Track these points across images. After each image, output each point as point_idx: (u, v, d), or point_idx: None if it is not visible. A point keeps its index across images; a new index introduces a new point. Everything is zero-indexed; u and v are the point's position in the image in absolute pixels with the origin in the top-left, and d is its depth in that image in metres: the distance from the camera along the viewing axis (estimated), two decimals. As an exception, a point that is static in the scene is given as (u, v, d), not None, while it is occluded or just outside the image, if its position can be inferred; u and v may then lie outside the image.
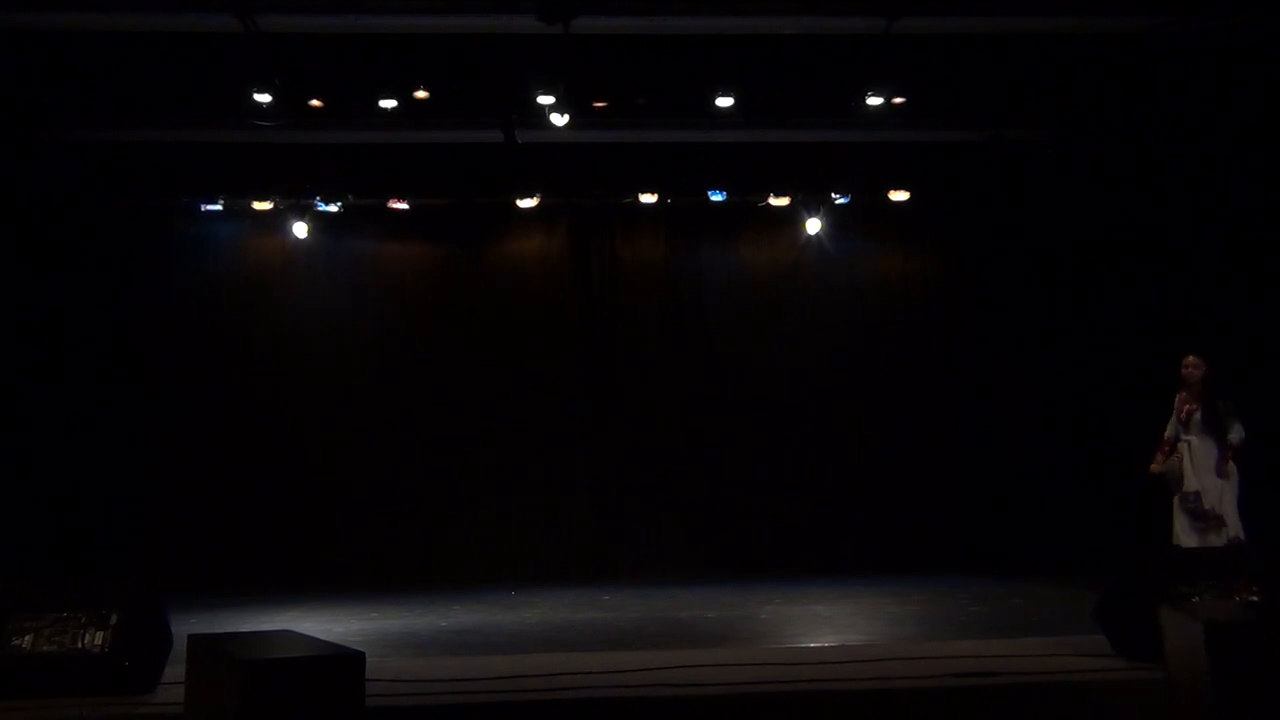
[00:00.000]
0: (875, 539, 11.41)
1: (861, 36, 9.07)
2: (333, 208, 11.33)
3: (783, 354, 11.74)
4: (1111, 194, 10.97)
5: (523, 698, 5.57)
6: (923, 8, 8.63)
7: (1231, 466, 8.05)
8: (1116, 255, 11.06)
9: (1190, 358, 8.27)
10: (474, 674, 6.00)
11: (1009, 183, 11.56)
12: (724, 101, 9.70)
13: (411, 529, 11.27)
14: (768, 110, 10.19)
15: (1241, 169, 9.74)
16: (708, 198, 11.52)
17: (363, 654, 4.65)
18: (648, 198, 11.45)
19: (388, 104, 9.64)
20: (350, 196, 11.35)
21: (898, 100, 9.87)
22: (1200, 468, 8.05)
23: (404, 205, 11.44)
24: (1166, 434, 8.35)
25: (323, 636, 5.65)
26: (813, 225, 11.67)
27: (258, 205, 11.24)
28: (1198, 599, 6.05)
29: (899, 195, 11.45)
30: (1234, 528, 7.98)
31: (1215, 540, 7.93)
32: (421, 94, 9.60)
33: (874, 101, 9.76)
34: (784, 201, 11.56)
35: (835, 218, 11.71)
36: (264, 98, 9.42)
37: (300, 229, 11.39)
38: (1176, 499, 8.19)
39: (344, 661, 4.60)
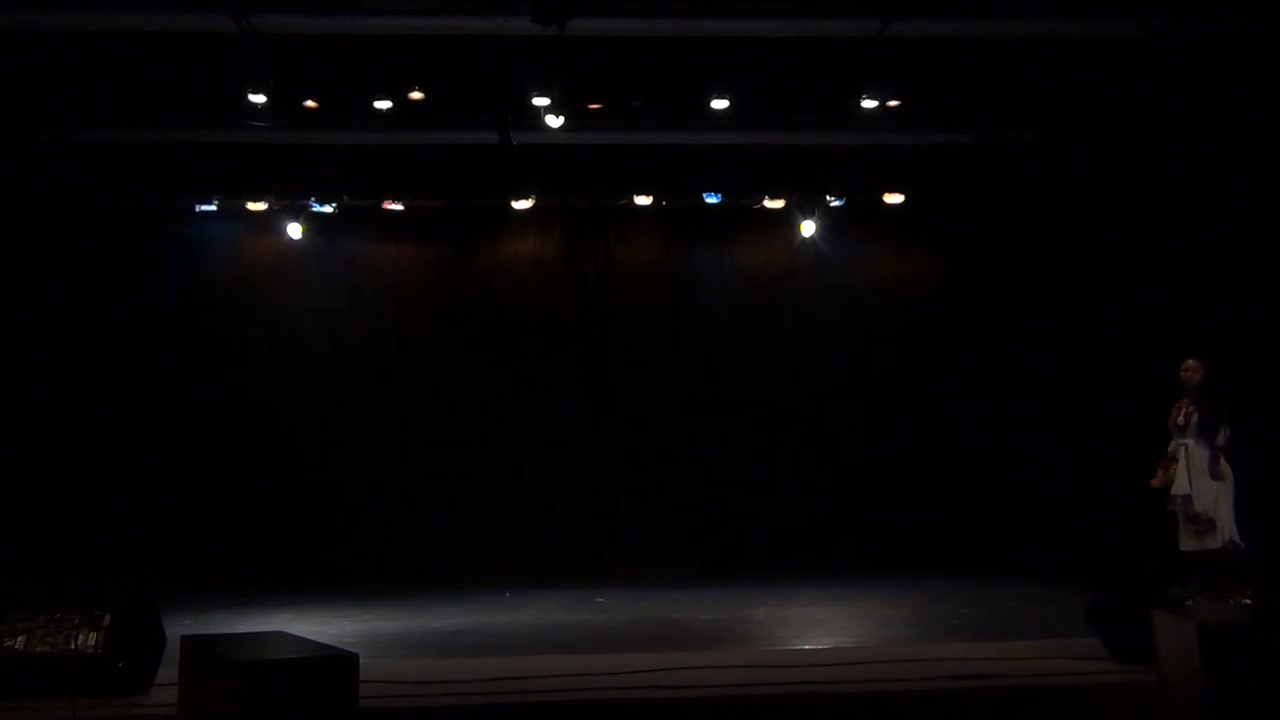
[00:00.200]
0: (870, 540, 11.40)
1: (856, 39, 9.07)
2: (328, 208, 11.32)
3: (778, 356, 11.74)
4: (1108, 195, 10.98)
5: (516, 699, 5.58)
6: (917, 11, 8.64)
7: (1227, 469, 8.05)
8: (1112, 256, 11.07)
9: (1189, 361, 8.29)
10: (467, 675, 6.00)
11: (1004, 185, 11.57)
12: (719, 104, 9.71)
13: (407, 530, 11.26)
14: (763, 112, 10.19)
15: (1238, 170, 9.77)
16: (703, 200, 11.52)
17: (356, 655, 4.64)
18: (643, 199, 11.45)
19: (383, 105, 9.63)
20: (345, 197, 11.34)
21: (892, 103, 9.87)
22: (1197, 471, 8.07)
23: (399, 206, 11.43)
24: (1170, 449, 8.36)
25: (317, 638, 5.64)
26: (808, 228, 11.67)
27: (252, 206, 11.22)
28: (1190, 602, 6.07)
29: (894, 198, 11.45)
30: (1229, 531, 8.00)
31: (1211, 543, 7.95)
32: (416, 95, 9.58)
33: (868, 104, 9.77)
34: (779, 204, 11.57)
35: (830, 220, 11.71)
36: (259, 98, 9.41)
37: (295, 230, 11.38)
38: (1169, 503, 8.22)
39: (337, 663, 4.59)
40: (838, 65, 9.50)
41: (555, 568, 11.14)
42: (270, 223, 11.48)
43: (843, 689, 5.63)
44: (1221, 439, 8.04)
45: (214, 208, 11.31)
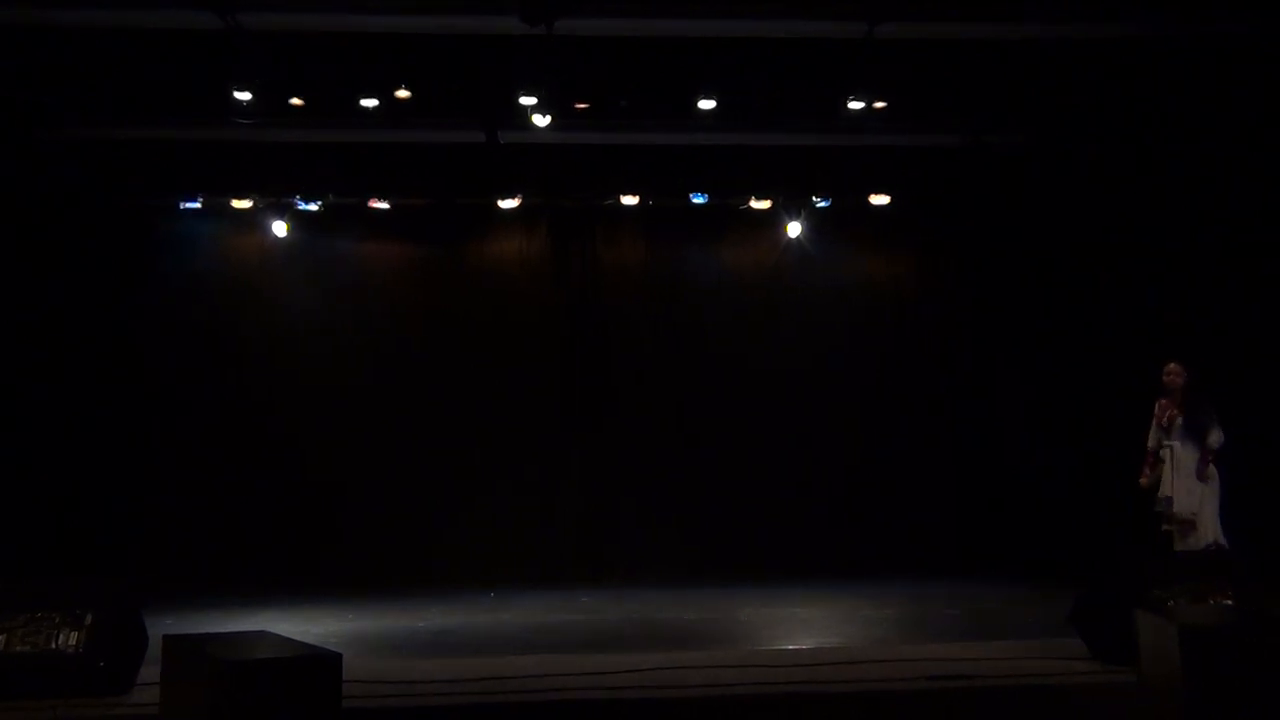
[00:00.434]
0: (868, 540, 11.37)
1: (843, 41, 9.09)
2: (313, 207, 11.29)
3: (766, 356, 11.73)
4: (1104, 195, 11.02)
5: (501, 699, 5.58)
6: (904, 13, 8.66)
7: (1213, 470, 8.13)
8: (1110, 256, 11.11)
9: (1172, 365, 8.36)
10: (453, 675, 6.00)
11: (1000, 185, 11.56)
12: (706, 104, 9.71)
13: (403, 530, 11.19)
14: (750, 113, 10.20)
15: (1234, 171, 9.84)
16: (689, 200, 11.53)
17: (339, 655, 4.63)
18: (629, 199, 11.44)
19: (369, 103, 9.61)
20: (331, 196, 11.30)
21: (879, 104, 9.89)
22: (1182, 473, 8.13)
23: (385, 205, 11.40)
24: (1150, 445, 8.42)
25: (308, 637, 5.63)
26: (794, 228, 11.68)
27: (237, 204, 11.18)
28: (1172, 603, 6.10)
29: (880, 199, 11.47)
30: (1213, 532, 8.05)
31: (1193, 544, 8.01)
32: (403, 94, 9.56)
33: (855, 105, 9.79)
34: (765, 205, 11.57)
35: (822, 220, 11.72)
36: (244, 96, 9.38)
37: (280, 228, 11.34)
38: (1158, 505, 8.28)
39: (321, 662, 4.58)
40: (824, 67, 9.52)
41: (543, 568, 11.10)
42: (256, 221, 11.43)
43: (827, 689, 5.64)
44: (1214, 440, 8.10)
45: (198, 205, 11.25)
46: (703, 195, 11.51)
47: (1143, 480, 8.41)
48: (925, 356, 11.94)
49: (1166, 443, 8.25)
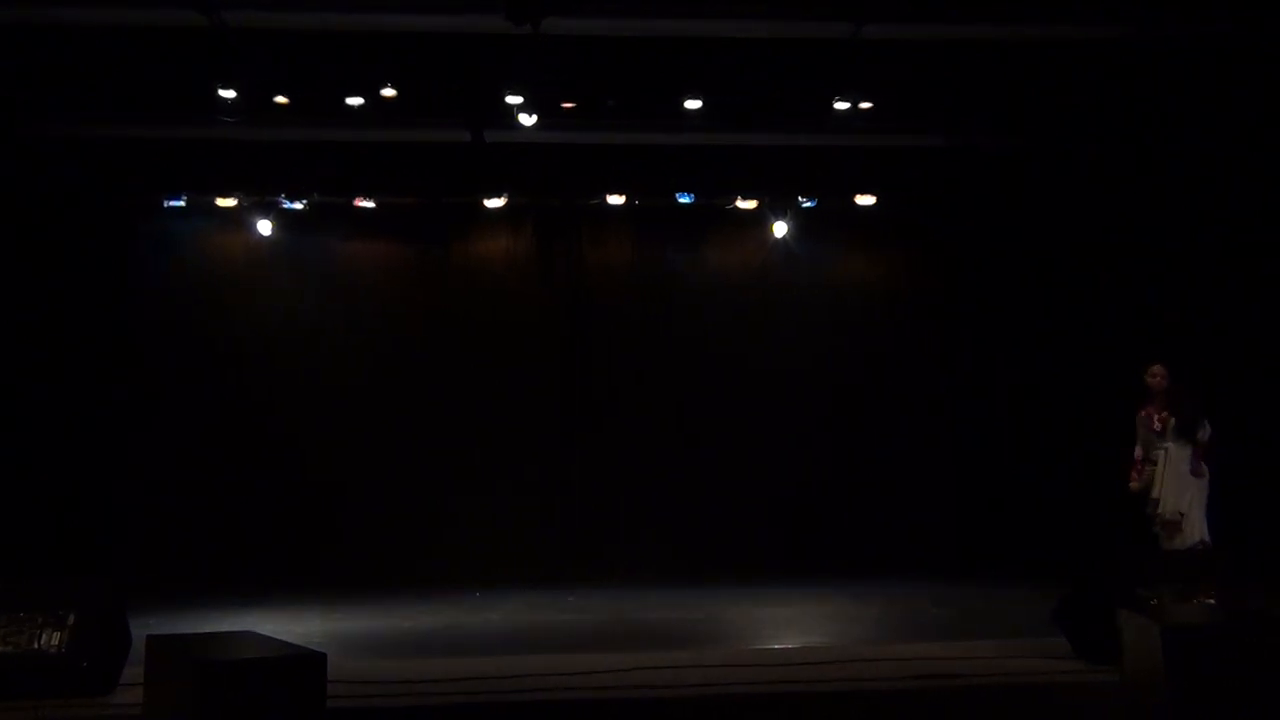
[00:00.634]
0: (855, 541, 11.35)
1: (830, 41, 9.11)
2: (298, 205, 11.25)
3: (753, 355, 11.72)
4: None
5: (487, 699, 5.57)
6: (889, 14, 8.68)
7: (1203, 468, 8.17)
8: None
9: (1155, 366, 8.41)
10: (437, 675, 5.99)
11: (989, 186, 11.58)
12: (692, 104, 9.72)
13: (385, 529, 11.12)
14: (736, 113, 10.21)
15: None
16: (675, 200, 11.53)
17: (324, 655, 4.62)
18: (615, 199, 11.44)
19: (354, 102, 9.58)
20: (316, 194, 11.27)
21: (865, 105, 9.91)
22: (1173, 473, 8.17)
23: (370, 204, 11.36)
24: (1137, 454, 8.45)
25: (293, 637, 5.61)
26: (780, 228, 11.70)
27: (222, 202, 11.13)
28: (1155, 602, 6.14)
29: (865, 199, 11.49)
30: (1199, 531, 8.10)
31: (1179, 544, 8.06)
32: (389, 92, 9.54)
33: (841, 106, 9.81)
34: (751, 205, 11.59)
35: (803, 220, 11.74)
36: (229, 94, 9.34)
37: (265, 226, 11.30)
38: (1149, 506, 8.33)
39: (305, 662, 4.57)
40: (812, 67, 9.54)
41: (534, 569, 11.07)
42: (241, 219, 11.38)
43: (813, 688, 5.66)
44: (1203, 435, 8.15)
45: (182, 203, 11.20)
46: (689, 195, 11.51)
47: (1133, 484, 8.44)
48: (918, 356, 11.92)
49: (1161, 445, 8.28)
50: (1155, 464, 8.29)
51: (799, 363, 11.75)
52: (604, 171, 11.39)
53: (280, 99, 9.63)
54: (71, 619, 5.87)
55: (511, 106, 9.55)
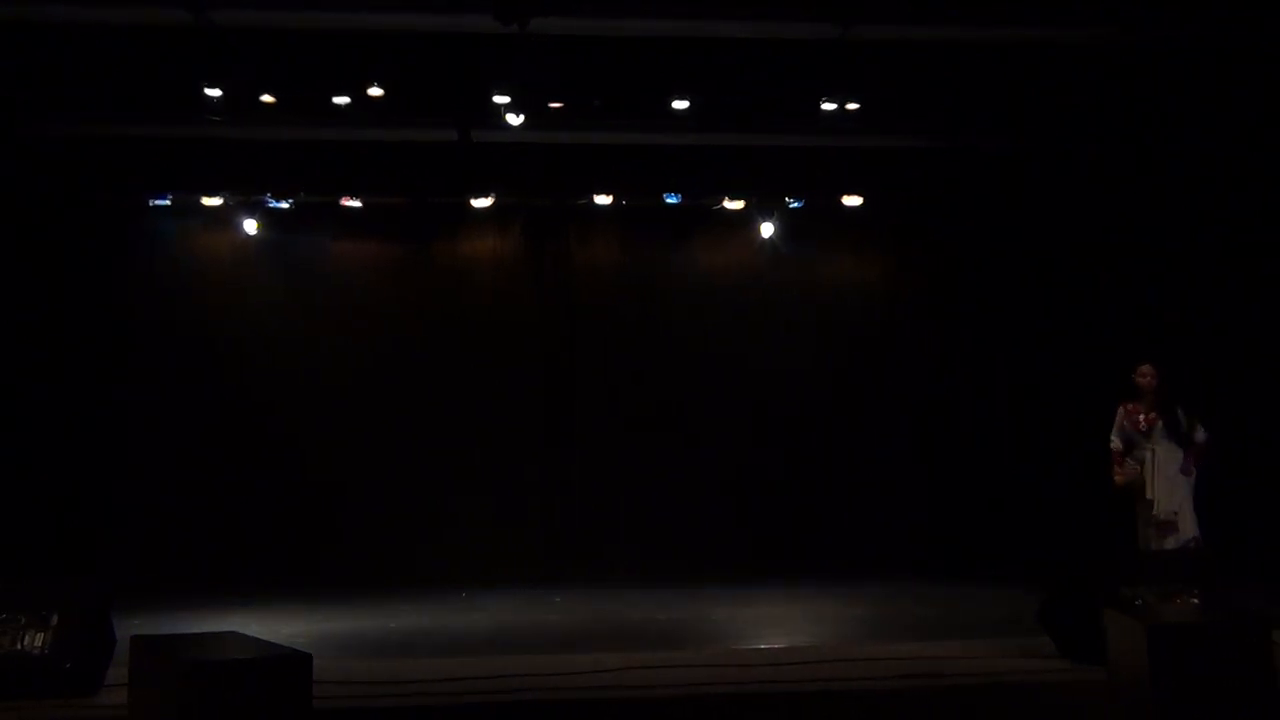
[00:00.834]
0: (846, 541, 11.38)
1: (818, 42, 9.12)
2: (284, 204, 11.22)
3: (740, 355, 11.72)
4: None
5: (472, 699, 5.56)
6: (876, 15, 8.70)
7: (1192, 468, 8.21)
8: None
9: (1144, 366, 8.43)
10: (424, 675, 5.98)
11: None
12: (680, 104, 9.72)
13: (367, 530, 11.14)
14: (723, 114, 10.22)
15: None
16: (663, 200, 11.53)
17: (309, 655, 4.60)
18: (603, 199, 11.44)
19: (341, 101, 9.56)
20: (302, 193, 11.24)
21: (852, 105, 9.93)
22: (1163, 474, 8.21)
23: (357, 203, 11.34)
24: (1113, 446, 8.47)
25: (279, 638, 5.59)
26: (767, 228, 11.71)
27: (207, 201, 11.09)
28: (1140, 601, 6.16)
29: (852, 200, 11.50)
30: (1192, 529, 8.14)
31: (1170, 543, 8.10)
32: (376, 91, 9.53)
33: (829, 106, 9.83)
34: (739, 205, 11.60)
35: (791, 220, 11.75)
36: (215, 92, 9.31)
37: (251, 225, 11.27)
38: (1139, 506, 8.36)
39: (290, 663, 4.55)
40: (800, 67, 9.55)
41: (513, 569, 11.02)
42: (227, 218, 11.35)
43: (799, 688, 5.66)
44: (1201, 436, 8.19)
45: (168, 202, 11.16)
46: (676, 195, 11.52)
47: (1118, 478, 8.45)
48: (912, 356, 11.93)
49: (1147, 445, 8.31)
50: (1140, 463, 8.32)
51: (793, 362, 11.75)
52: (592, 171, 11.39)
53: (267, 98, 9.60)
54: (55, 619, 5.84)
55: (499, 106, 9.54)
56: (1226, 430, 8.38)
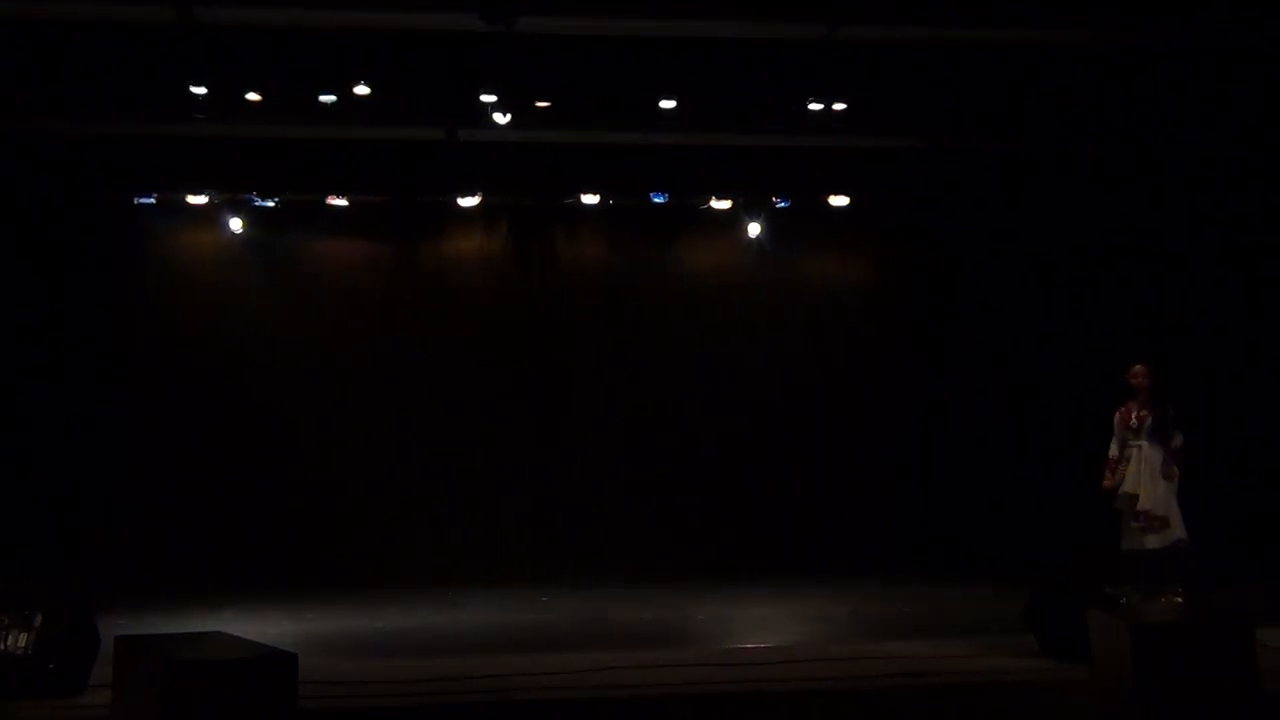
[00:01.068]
0: (832, 542, 11.39)
1: (804, 42, 9.13)
2: (269, 203, 11.18)
3: (726, 355, 11.72)
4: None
5: (457, 700, 5.56)
6: (864, 16, 8.72)
7: (1174, 471, 8.26)
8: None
9: (1138, 366, 8.50)
10: (410, 676, 5.97)
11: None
12: (667, 104, 9.73)
13: (361, 530, 11.10)
14: (710, 113, 10.22)
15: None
16: (650, 199, 11.53)
17: (295, 655, 4.59)
18: (590, 199, 11.44)
19: (328, 99, 9.53)
20: (288, 192, 11.20)
21: (839, 106, 9.95)
22: (1149, 472, 8.27)
23: (343, 202, 11.31)
24: (1111, 454, 8.54)
25: (265, 638, 5.58)
26: (754, 229, 11.72)
27: (192, 200, 11.04)
28: (1124, 600, 6.19)
29: (839, 200, 11.52)
30: (1179, 530, 8.19)
31: (1155, 542, 8.15)
32: (362, 90, 9.50)
33: (815, 106, 9.84)
34: (725, 205, 11.60)
35: (777, 220, 11.76)
36: (200, 90, 9.28)
37: (236, 224, 11.22)
38: (1118, 502, 8.41)
39: (275, 663, 4.54)
40: (788, 67, 9.56)
41: (497, 569, 10.95)
42: (213, 217, 11.29)
43: (784, 687, 5.67)
44: (1178, 443, 8.26)
45: (153, 201, 11.11)
46: (663, 195, 11.52)
47: (1106, 483, 8.52)
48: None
49: (1134, 442, 8.37)
50: (1127, 460, 8.39)
51: (784, 362, 11.74)
52: (578, 171, 11.36)
53: (252, 96, 9.57)
54: (38, 620, 5.82)
55: (486, 105, 9.52)
56: (1226, 430, 8.43)
